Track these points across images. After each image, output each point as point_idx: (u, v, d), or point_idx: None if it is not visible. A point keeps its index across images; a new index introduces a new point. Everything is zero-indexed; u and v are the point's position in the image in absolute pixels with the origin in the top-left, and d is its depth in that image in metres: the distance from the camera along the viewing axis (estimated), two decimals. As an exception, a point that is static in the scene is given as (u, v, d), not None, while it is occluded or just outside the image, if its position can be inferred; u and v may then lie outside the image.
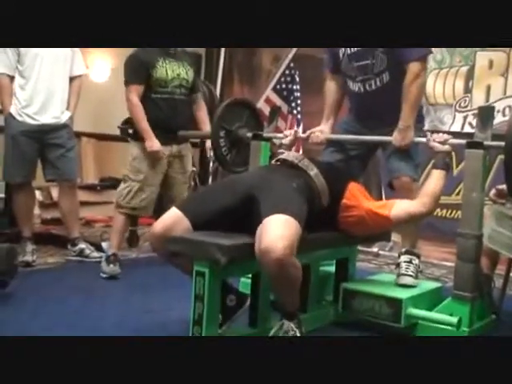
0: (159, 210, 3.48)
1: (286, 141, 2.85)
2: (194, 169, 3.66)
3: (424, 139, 2.57)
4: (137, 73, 3.34)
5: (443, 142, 2.46)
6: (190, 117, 3.59)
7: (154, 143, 3.32)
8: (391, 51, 2.66)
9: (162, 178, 3.47)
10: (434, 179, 2.42)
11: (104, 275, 3.28)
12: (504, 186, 2.89)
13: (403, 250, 2.84)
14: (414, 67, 2.60)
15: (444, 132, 4.41)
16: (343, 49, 2.80)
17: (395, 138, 2.63)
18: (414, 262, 2.76)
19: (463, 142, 2.48)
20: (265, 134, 2.98)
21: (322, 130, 2.91)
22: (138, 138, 3.37)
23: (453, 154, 4.34)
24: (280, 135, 2.94)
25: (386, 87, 2.72)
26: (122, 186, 3.44)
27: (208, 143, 3.50)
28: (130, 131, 3.43)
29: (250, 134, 2.97)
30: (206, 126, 3.52)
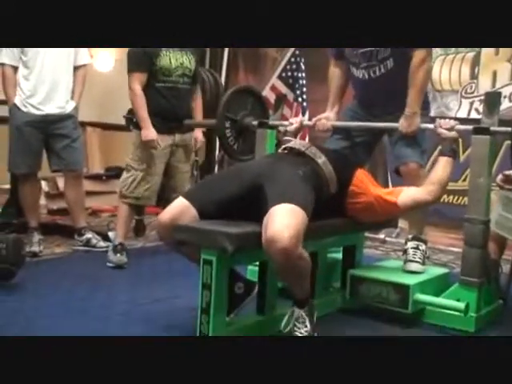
0: (162, 199, 3.52)
1: (291, 128, 2.84)
2: (197, 158, 3.65)
3: (431, 125, 2.55)
4: (140, 61, 3.33)
5: (450, 129, 2.44)
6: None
7: (149, 132, 3.31)
8: None
9: (164, 168, 3.48)
10: (441, 166, 2.42)
11: (111, 264, 3.29)
12: (511, 171, 2.89)
13: (410, 236, 2.83)
14: (419, 53, 2.59)
15: (450, 118, 4.43)
16: None
17: (402, 125, 2.62)
18: (420, 248, 2.76)
19: (470, 127, 2.46)
20: (271, 122, 2.97)
21: (328, 117, 2.90)
22: (139, 126, 3.37)
23: (460, 140, 4.37)
24: (286, 123, 2.93)
25: (390, 74, 2.71)
26: (125, 175, 3.44)
27: None
28: (134, 120, 3.43)
29: (255, 122, 2.96)
30: (199, 117, 3.56)
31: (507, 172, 2.89)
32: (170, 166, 3.49)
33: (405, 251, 2.79)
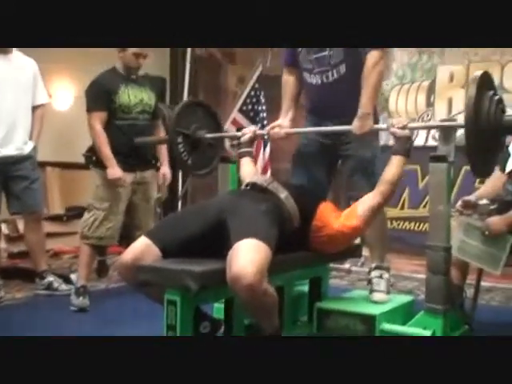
0: (126, 238, 3.46)
1: (245, 138, 2.82)
2: (160, 195, 3.62)
3: (384, 126, 2.57)
4: (99, 100, 3.32)
5: (403, 127, 2.43)
6: None
7: (115, 171, 3.29)
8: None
9: (127, 206, 3.44)
10: (393, 166, 2.41)
11: (74, 308, 3.22)
12: (470, 197, 2.95)
13: (373, 265, 2.84)
14: (372, 56, 2.63)
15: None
16: None
17: (355, 126, 2.62)
18: (384, 276, 2.77)
19: (424, 125, 2.60)
20: (233, 159, 2.96)
21: (281, 125, 2.88)
22: (101, 165, 3.34)
23: (418, 167, 4.48)
24: (238, 134, 2.89)
25: (343, 79, 2.74)
26: (87, 215, 3.39)
27: None
28: (94, 159, 3.40)
29: (209, 135, 2.95)
30: (163, 151, 3.54)
31: (466, 198, 2.95)
32: (132, 204, 3.46)
33: (369, 281, 2.79)
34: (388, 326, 2.41)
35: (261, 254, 1.95)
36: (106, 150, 3.30)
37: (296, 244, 2.33)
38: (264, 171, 4.77)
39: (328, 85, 2.77)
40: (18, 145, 3.48)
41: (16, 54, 3.50)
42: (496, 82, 4.21)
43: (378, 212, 2.48)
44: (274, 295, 2.01)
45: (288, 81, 2.97)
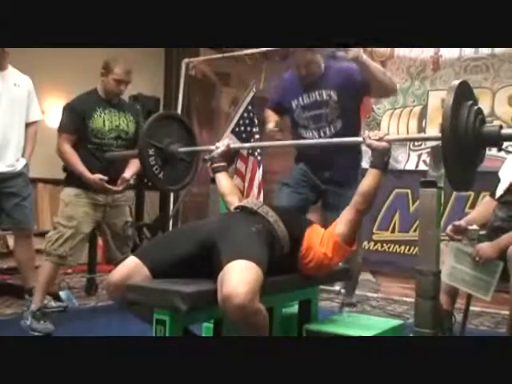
0: (110, 258, 3.49)
1: (217, 152, 2.75)
2: (130, 219, 3.57)
3: (359, 138, 2.47)
4: (70, 122, 3.33)
5: (379, 140, 2.33)
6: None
7: (93, 176, 3.27)
8: (343, 102, 2.97)
9: (104, 228, 3.42)
10: (369, 179, 2.34)
11: (36, 333, 3.13)
12: (461, 222, 2.97)
13: (345, 302, 3.37)
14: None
15: (399, 171, 4.56)
16: (296, 100, 3.05)
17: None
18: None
19: (401, 137, 2.56)
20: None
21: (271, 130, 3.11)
22: (71, 183, 3.35)
23: (408, 191, 4.51)
24: (212, 147, 2.80)
25: (338, 135, 2.93)
26: (52, 232, 3.36)
27: None
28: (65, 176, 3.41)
29: (182, 149, 2.91)
30: (129, 171, 3.46)
31: (457, 222, 2.97)
32: (108, 225, 3.45)
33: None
34: (377, 350, 2.41)
35: (253, 275, 1.95)
36: (79, 167, 3.28)
37: (285, 267, 2.33)
38: (258, 192, 4.78)
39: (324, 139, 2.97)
40: (10, 162, 3.47)
41: (11, 70, 3.51)
42: (487, 108, 4.34)
43: (357, 225, 2.40)
44: (265, 315, 2.00)
45: (269, 112, 3.26)
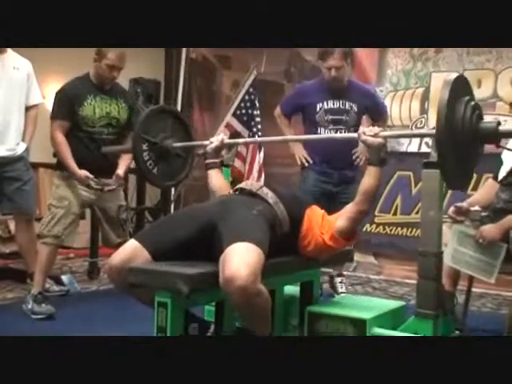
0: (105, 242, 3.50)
1: (210, 147, 2.69)
2: (124, 203, 3.54)
3: (354, 134, 2.45)
4: (62, 109, 3.28)
5: (374, 136, 2.29)
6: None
7: (81, 173, 3.25)
8: (363, 113, 3.59)
9: (97, 213, 3.42)
10: (369, 177, 2.32)
11: (38, 316, 3.12)
12: (463, 204, 2.96)
13: (335, 273, 3.78)
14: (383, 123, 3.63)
15: (401, 153, 4.54)
16: (321, 103, 3.50)
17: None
18: (343, 281, 3.79)
19: (396, 133, 2.56)
20: (225, 162, 2.94)
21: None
22: (61, 167, 3.33)
23: (411, 173, 4.49)
24: (206, 142, 2.75)
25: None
26: (45, 215, 3.35)
27: None
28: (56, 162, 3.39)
29: (176, 144, 2.86)
30: (122, 167, 3.42)
31: (459, 204, 2.96)
32: (102, 209, 3.42)
33: (333, 286, 3.73)
34: (379, 331, 2.41)
35: (254, 257, 1.95)
36: (69, 161, 3.25)
37: (286, 249, 2.33)
38: (259, 175, 4.77)
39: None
40: (10, 146, 3.45)
41: (10, 53, 3.49)
42: (490, 89, 4.31)
43: (357, 223, 2.42)
44: (267, 297, 2.00)
45: (285, 122, 3.73)
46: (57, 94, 3.35)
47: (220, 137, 2.73)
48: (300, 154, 3.64)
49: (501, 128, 1.96)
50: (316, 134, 3.52)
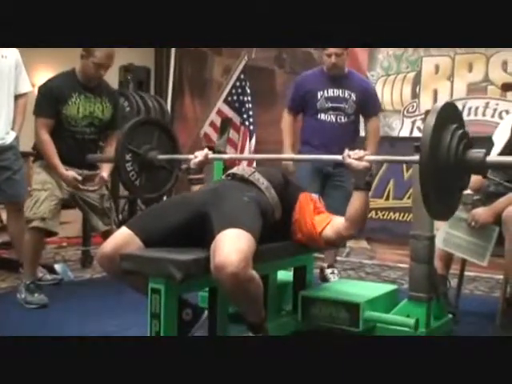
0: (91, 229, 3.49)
1: (194, 162, 2.58)
2: (105, 193, 3.50)
3: (339, 157, 2.29)
4: (46, 107, 3.19)
5: (359, 159, 2.20)
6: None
7: (67, 173, 3.20)
8: (360, 103, 3.63)
9: (81, 203, 3.38)
10: (355, 203, 2.27)
11: (32, 306, 3.09)
12: None
13: (326, 264, 3.74)
14: (374, 121, 3.79)
15: (393, 137, 4.55)
16: (322, 91, 3.59)
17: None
18: (335, 272, 3.73)
19: (380, 158, 2.59)
20: (216, 148, 2.95)
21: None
22: (40, 157, 3.28)
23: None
24: (191, 156, 2.64)
25: (351, 123, 3.66)
26: (29, 200, 3.28)
27: None
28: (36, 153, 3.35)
29: (160, 157, 2.79)
30: (106, 169, 3.34)
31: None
32: (83, 199, 3.36)
33: (324, 277, 3.66)
34: (372, 314, 2.43)
35: (245, 243, 1.94)
36: (54, 160, 3.18)
37: (278, 235, 2.33)
38: (250, 162, 4.77)
39: (339, 124, 3.61)
40: (-1, 135, 3.43)
41: (-2, 42, 3.45)
42: (481, 73, 4.32)
43: (343, 241, 2.53)
44: (258, 282, 2.00)
45: (290, 121, 3.75)
46: (40, 89, 3.25)
47: (204, 151, 2.63)
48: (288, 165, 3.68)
49: (488, 159, 1.83)
50: (316, 119, 3.63)
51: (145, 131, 2.82)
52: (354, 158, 2.19)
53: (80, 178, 3.23)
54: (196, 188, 2.56)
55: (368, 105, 3.72)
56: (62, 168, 3.19)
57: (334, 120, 3.61)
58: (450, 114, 1.87)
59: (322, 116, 3.62)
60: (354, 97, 3.63)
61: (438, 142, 1.79)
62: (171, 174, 2.95)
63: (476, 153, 1.83)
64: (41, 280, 3.53)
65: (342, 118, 3.61)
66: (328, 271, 3.69)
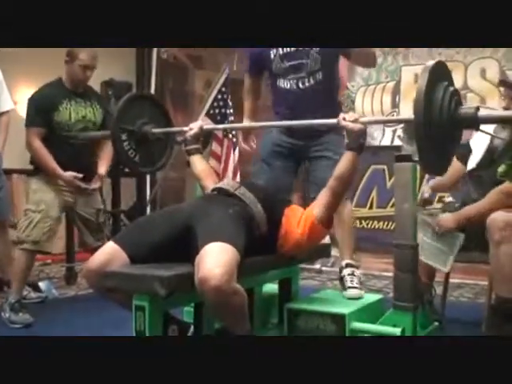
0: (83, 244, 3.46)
1: (190, 134, 2.69)
2: (101, 207, 3.51)
3: (334, 120, 2.38)
4: (37, 116, 3.23)
5: (354, 121, 2.29)
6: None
7: (67, 174, 3.23)
8: (324, 53, 2.78)
9: (74, 218, 3.38)
10: (345, 162, 2.33)
11: (15, 326, 3.08)
12: (426, 195, 3.01)
13: (344, 263, 2.86)
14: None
15: (375, 147, 4.58)
16: (275, 49, 2.86)
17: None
18: (356, 273, 2.82)
19: (376, 118, 2.53)
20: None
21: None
22: (39, 172, 3.29)
23: (385, 167, 4.53)
24: (185, 128, 2.73)
25: (319, 86, 2.83)
26: (22, 219, 3.29)
27: None
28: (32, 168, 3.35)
29: (155, 130, 2.85)
30: (103, 166, 3.41)
31: (426, 194, 3.02)
32: (79, 213, 3.39)
33: (341, 279, 2.82)
34: (358, 325, 2.43)
35: (228, 256, 1.94)
36: (50, 163, 3.21)
37: (264, 249, 2.32)
38: (234, 174, 4.77)
39: (303, 90, 2.84)
40: (-19, 153, 3.41)
41: (-22, 59, 3.44)
42: (460, 81, 4.36)
43: (333, 208, 2.41)
44: (243, 296, 1.99)
45: (252, 88, 3.14)
46: (29, 101, 3.29)
47: (199, 123, 2.75)
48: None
49: (480, 114, 1.94)
50: (276, 87, 2.93)
51: (136, 107, 2.84)
52: (350, 120, 2.29)
53: (80, 175, 3.25)
54: (194, 158, 2.68)
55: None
56: (60, 170, 3.22)
57: (294, 87, 2.86)
58: (441, 72, 1.97)
59: (281, 82, 2.88)
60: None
61: (430, 99, 1.89)
62: (167, 145, 2.99)
63: (468, 108, 1.95)
64: (25, 298, 3.50)
65: (306, 81, 2.83)
66: (346, 272, 2.80)
